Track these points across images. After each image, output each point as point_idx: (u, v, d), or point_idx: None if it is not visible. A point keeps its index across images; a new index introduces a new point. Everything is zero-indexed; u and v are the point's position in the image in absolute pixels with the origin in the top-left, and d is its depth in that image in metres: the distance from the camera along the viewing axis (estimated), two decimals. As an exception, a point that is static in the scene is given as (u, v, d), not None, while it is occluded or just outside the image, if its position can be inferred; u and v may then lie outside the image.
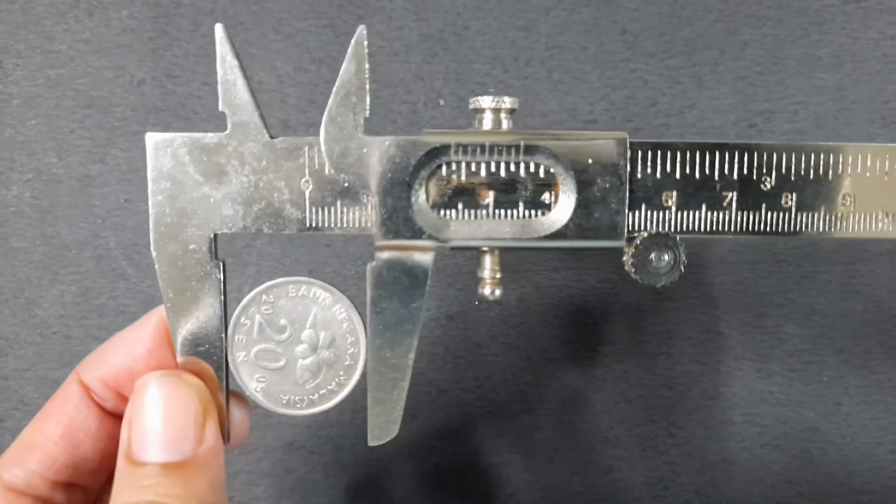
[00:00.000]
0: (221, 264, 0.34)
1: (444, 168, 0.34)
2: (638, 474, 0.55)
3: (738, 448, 0.55)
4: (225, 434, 0.35)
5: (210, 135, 0.33)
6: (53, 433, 0.34)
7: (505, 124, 0.35)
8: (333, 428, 0.55)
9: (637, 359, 0.55)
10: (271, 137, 0.33)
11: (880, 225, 0.34)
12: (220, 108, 0.33)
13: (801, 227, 0.34)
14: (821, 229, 0.34)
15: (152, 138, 0.33)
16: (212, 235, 0.34)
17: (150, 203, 0.33)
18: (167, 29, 0.53)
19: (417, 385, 0.55)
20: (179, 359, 0.34)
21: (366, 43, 0.33)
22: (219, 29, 0.33)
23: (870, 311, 0.54)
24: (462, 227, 0.34)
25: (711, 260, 0.54)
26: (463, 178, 0.34)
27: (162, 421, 0.30)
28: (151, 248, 0.33)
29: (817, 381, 0.54)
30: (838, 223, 0.34)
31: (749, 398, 0.54)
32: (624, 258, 0.34)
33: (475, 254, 0.37)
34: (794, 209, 0.34)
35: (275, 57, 0.53)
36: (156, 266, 0.34)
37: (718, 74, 0.53)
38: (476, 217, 0.34)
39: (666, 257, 0.34)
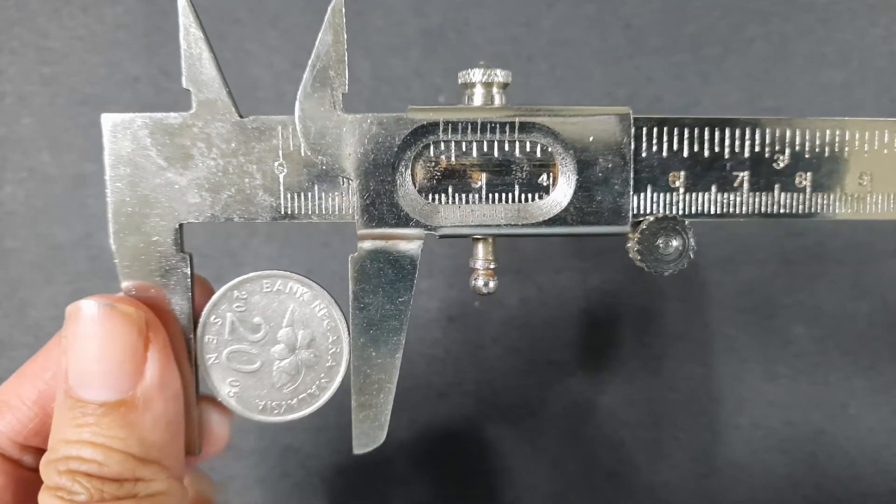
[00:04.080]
0: (189, 257, 0.31)
1: (431, 148, 0.31)
2: (643, 479, 0.54)
3: (743, 451, 0.54)
4: (194, 444, 0.32)
5: (173, 114, 0.31)
6: (27, 396, 0.32)
7: (497, 100, 0.32)
8: (331, 431, 0.54)
9: (642, 361, 0.54)
10: (241, 116, 0.31)
11: None
12: (184, 85, 0.30)
13: (816, 209, 0.32)
14: (837, 210, 0.32)
15: (109, 119, 0.31)
16: (177, 226, 0.31)
17: (108, 191, 0.31)
18: (162, 25, 0.53)
19: (417, 388, 0.54)
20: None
21: (343, 10, 0.30)
22: (181, 2, 0.30)
23: (877, 311, 0.53)
24: (452, 212, 0.31)
25: (718, 260, 0.53)
26: (453, 159, 0.31)
27: (97, 355, 0.29)
28: (110, 240, 0.31)
29: (824, 382, 0.54)
30: (855, 204, 0.32)
31: (755, 401, 0.54)
32: (629, 245, 0.32)
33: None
34: (809, 189, 0.32)
35: (272, 53, 0.53)
36: (115, 260, 0.31)
37: (724, 71, 0.52)
38: (467, 202, 0.31)
39: (674, 243, 0.31)
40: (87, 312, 0.29)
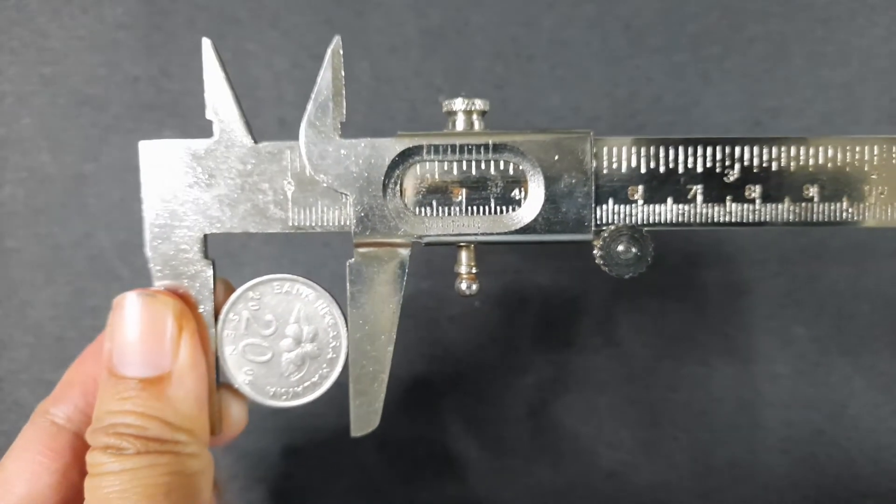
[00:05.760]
0: (212, 262, 0.36)
1: (417, 167, 0.35)
2: (642, 479, 0.54)
3: (743, 451, 0.54)
4: (215, 425, 0.36)
5: (199, 141, 0.35)
6: (91, 372, 0.36)
7: (477, 125, 0.36)
8: (331, 432, 0.54)
9: (642, 362, 0.54)
10: (255, 142, 0.35)
11: (845, 214, 0.35)
12: (207, 117, 0.35)
13: (765, 218, 0.35)
14: (786, 219, 0.35)
15: (145, 146, 0.36)
16: (202, 236, 0.36)
17: (143, 207, 0.36)
18: (162, 25, 0.53)
19: (416, 388, 0.54)
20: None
21: (341, 52, 0.35)
22: (206, 43, 0.35)
23: (878, 311, 0.53)
24: (436, 223, 0.35)
25: (718, 261, 0.53)
26: (436, 176, 0.36)
27: (139, 338, 0.33)
28: (146, 249, 0.36)
29: (824, 382, 0.54)
30: (802, 213, 0.35)
31: (755, 401, 0.54)
32: (594, 251, 0.35)
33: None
34: (758, 200, 0.35)
35: (271, 53, 0.53)
36: (149, 265, 0.36)
37: (724, 71, 0.52)
38: (449, 214, 0.36)
39: (633, 249, 0.35)
40: (132, 301, 0.34)
